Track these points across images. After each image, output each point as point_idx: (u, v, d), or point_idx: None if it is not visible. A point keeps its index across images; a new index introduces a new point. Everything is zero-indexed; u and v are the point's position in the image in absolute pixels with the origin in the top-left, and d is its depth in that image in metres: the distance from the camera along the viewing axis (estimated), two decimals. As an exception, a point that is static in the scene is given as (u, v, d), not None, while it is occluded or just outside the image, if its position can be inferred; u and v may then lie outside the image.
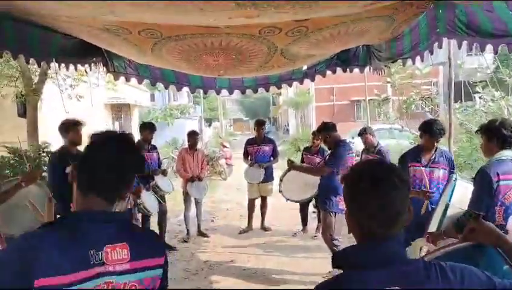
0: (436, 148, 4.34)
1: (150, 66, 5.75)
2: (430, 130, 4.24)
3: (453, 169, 4.29)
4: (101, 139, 1.48)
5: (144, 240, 1.46)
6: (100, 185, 1.39)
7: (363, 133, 6.61)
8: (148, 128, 6.65)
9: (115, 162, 1.41)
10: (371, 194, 1.28)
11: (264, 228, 7.82)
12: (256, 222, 7.89)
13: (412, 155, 4.43)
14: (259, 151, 7.63)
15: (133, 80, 6.03)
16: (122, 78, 5.77)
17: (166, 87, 6.57)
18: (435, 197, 4.13)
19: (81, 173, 1.42)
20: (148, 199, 5.95)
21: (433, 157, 4.28)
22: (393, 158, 6.86)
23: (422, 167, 4.27)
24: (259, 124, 7.76)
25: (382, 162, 1.39)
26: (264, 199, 7.82)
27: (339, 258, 1.34)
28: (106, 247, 1.32)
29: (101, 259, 1.31)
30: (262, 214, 7.88)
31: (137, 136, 6.99)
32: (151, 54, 4.57)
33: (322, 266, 5.66)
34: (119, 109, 18.25)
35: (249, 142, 7.80)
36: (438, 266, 1.25)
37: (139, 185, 5.77)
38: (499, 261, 1.44)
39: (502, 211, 3.02)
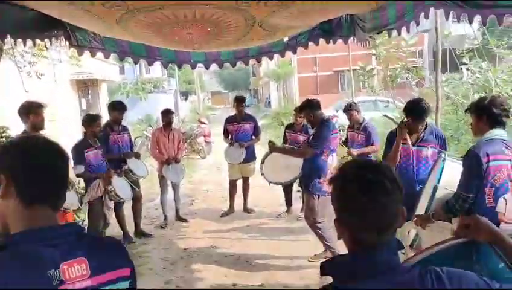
0: (426, 125, 4.32)
1: (118, 40, 5.60)
2: (414, 112, 4.23)
3: (445, 148, 4.27)
4: (33, 145, 1.38)
5: (103, 251, 1.37)
6: (45, 193, 1.31)
7: (348, 109, 6.59)
8: (117, 108, 6.50)
9: (55, 168, 1.34)
10: (360, 200, 1.25)
11: (246, 210, 7.84)
12: (239, 204, 7.89)
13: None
14: (239, 129, 7.58)
15: (100, 54, 5.85)
16: (87, 53, 5.59)
17: (136, 62, 6.44)
18: (423, 177, 4.16)
19: (20, 183, 1.30)
20: (120, 184, 5.86)
21: (422, 135, 4.27)
22: (380, 132, 6.91)
23: (410, 145, 4.28)
24: (239, 101, 7.69)
25: (372, 163, 1.35)
26: (246, 180, 7.81)
27: (327, 268, 1.31)
28: (62, 264, 1.24)
29: (60, 277, 1.24)
30: (245, 195, 7.89)
31: (106, 116, 6.87)
32: (117, 27, 4.42)
33: (307, 248, 5.73)
34: (86, 85, 17.81)
35: (229, 120, 7.74)
36: (434, 274, 1.24)
37: (109, 170, 5.68)
38: (495, 259, 1.44)
39: (492, 193, 3.06)
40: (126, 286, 1.38)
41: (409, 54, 9.45)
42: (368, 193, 1.25)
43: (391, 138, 4.39)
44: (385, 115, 6.11)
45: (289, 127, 7.46)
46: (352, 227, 1.29)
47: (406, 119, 4.25)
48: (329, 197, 4.58)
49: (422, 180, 4.15)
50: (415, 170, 4.26)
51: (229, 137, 7.67)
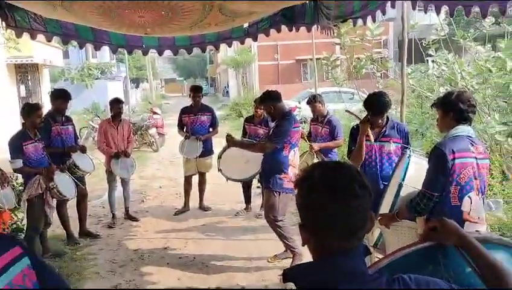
0: (388, 120, 4.42)
1: (62, 21, 5.43)
2: (374, 107, 4.33)
3: (408, 143, 4.39)
4: None
5: None
6: None
7: (312, 101, 6.64)
8: (61, 96, 6.30)
9: None
10: (327, 205, 1.25)
11: (202, 207, 7.80)
12: (194, 202, 7.84)
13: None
14: (196, 121, 7.51)
15: (41, 37, 5.66)
16: (26, 35, 5.38)
17: (81, 46, 6.26)
18: (387, 173, 4.25)
19: None
20: (63, 181, 5.70)
21: (384, 130, 4.38)
22: (344, 125, 7.01)
23: (371, 141, 4.36)
24: (196, 90, 7.61)
25: (341, 166, 1.35)
26: (202, 175, 7.77)
27: (291, 275, 1.30)
28: None
29: None
30: (201, 192, 7.84)
31: (48, 106, 6.66)
32: (61, 9, 4.29)
33: (267, 248, 5.77)
34: (25, 71, 17.18)
35: (184, 111, 7.66)
36: (401, 282, 1.26)
37: (51, 166, 5.51)
38: (462, 263, 1.48)
39: (457, 191, 3.15)
40: (27, 263, 1.39)
41: (375, 44, 9.62)
42: (335, 197, 1.25)
43: (355, 134, 4.47)
44: (347, 111, 6.20)
45: (249, 120, 7.46)
46: (318, 233, 1.29)
47: (369, 116, 4.34)
48: (290, 195, 4.63)
49: (385, 176, 4.26)
50: (378, 166, 4.37)
51: (185, 129, 7.59)
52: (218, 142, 7.86)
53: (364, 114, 4.49)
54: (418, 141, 8.28)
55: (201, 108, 7.62)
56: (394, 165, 4.26)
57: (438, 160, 3.15)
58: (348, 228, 1.27)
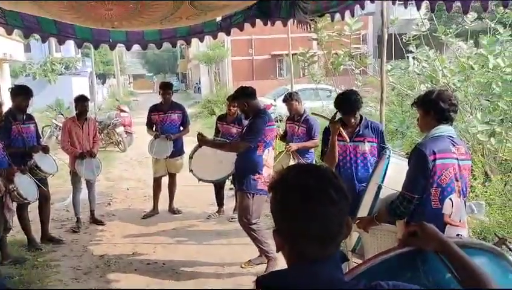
0: (361, 119, 4.47)
1: (23, 13, 5.31)
2: (345, 106, 4.38)
3: (383, 142, 4.45)
4: None
5: None
6: None
7: (288, 99, 6.67)
8: (21, 93, 6.20)
9: None
10: (302, 209, 1.26)
11: (172, 210, 7.77)
12: (163, 204, 7.79)
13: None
14: (166, 119, 7.47)
15: (0, 29, 5.54)
16: (-17, 28, 5.27)
17: (44, 40, 6.15)
18: (363, 174, 4.30)
19: None
20: (23, 183, 5.60)
21: (357, 129, 4.42)
22: (321, 125, 7.05)
23: (345, 141, 4.41)
24: (166, 87, 7.60)
25: (316, 169, 1.35)
26: (172, 177, 7.75)
27: (264, 283, 1.31)
28: None
29: None
30: (171, 194, 7.81)
31: (8, 103, 6.53)
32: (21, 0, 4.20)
33: (240, 253, 5.78)
34: (-17, 65, 16.81)
35: (154, 109, 7.62)
36: (379, 289, 1.26)
37: (12, 167, 5.40)
38: (442, 269, 1.50)
39: (438, 193, 3.19)
40: None
41: (353, 40, 9.68)
42: (310, 202, 1.26)
43: (327, 134, 4.51)
44: (314, 113, 6.26)
45: (221, 118, 7.46)
46: (293, 239, 1.30)
47: (338, 116, 4.38)
48: (265, 196, 4.64)
49: (361, 178, 4.32)
50: (353, 168, 4.40)
51: (154, 128, 7.54)
52: (189, 142, 7.85)
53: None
54: (398, 141, 8.39)
55: (172, 106, 7.59)
56: (369, 165, 4.34)
57: (418, 161, 3.19)
58: (324, 233, 1.27)
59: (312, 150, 6.66)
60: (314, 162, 6.52)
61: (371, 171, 4.27)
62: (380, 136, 4.48)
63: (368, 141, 4.41)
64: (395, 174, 3.55)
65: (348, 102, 4.36)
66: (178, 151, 7.52)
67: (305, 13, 5.28)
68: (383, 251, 1.57)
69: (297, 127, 6.58)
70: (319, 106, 11.99)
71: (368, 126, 4.45)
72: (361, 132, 4.42)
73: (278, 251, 1.34)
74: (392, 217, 3.34)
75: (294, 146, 6.41)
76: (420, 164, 3.18)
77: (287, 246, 1.32)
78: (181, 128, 7.62)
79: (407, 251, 1.55)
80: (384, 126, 6.04)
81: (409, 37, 8.27)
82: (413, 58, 8.53)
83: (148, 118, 7.66)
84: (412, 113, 8.30)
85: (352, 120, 4.39)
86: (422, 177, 3.18)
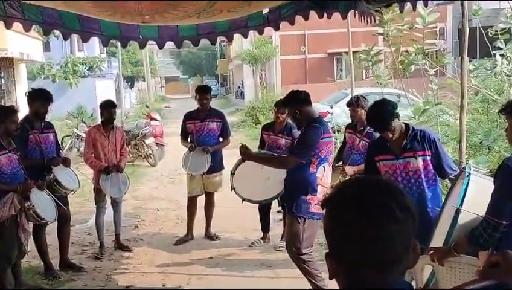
0: (408, 129, 4.42)
1: (42, 7, 5.54)
2: (371, 124, 4.37)
3: (438, 152, 4.37)
4: None
5: None
6: None
7: (353, 103, 6.56)
8: (39, 98, 6.39)
9: None
10: (360, 227, 1.27)
11: (210, 236, 7.82)
12: (199, 229, 7.87)
13: (378, 145, 4.58)
14: (203, 129, 7.55)
15: (17, 25, 5.78)
16: None
17: (66, 38, 6.38)
18: (417, 196, 4.27)
19: None
20: (41, 200, 5.76)
21: (404, 143, 4.37)
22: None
23: (393, 159, 4.39)
24: (203, 92, 7.68)
25: (378, 182, 1.37)
26: (210, 196, 7.80)
27: None
28: None
29: None
30: (208, 216, 7.87)
31: (25, 109, 6.76)
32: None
33: (289, 287, 5.74)
34: (-3, 66, 17.54)
35: (189, 117, 7.72)
36: None
37: (28, 181, 5.58)
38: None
39: (531, 219, 3.12)
40: None
41: (427, 35, 9.55)
42: (370, 218, 1.27)
43: (367, 157, 4.70)
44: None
45: (267, 127, 7.50)
46: (349, 263, 1.31)
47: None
48: (319, 221, 4.65)
49: (417, 200, 4.26)
50: (407, 189, 4.35)
51: (189, 139, 7.65)
52: (229, 155, 7.90)
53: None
54: (482, 157, 8.18)
55: (210, 113, 7.67)
56: (425, 185, 4.32)
57: (506, 179, 3.14)
58: (383, 256, 1.28)
59: None
60: None
61: (427, 191, 4.26)
62: (434, 146, 4.38)
63: (420, 155, 4.35)
64: (476, 195, 3.49)
65: (374, 118, 4.37)
66: (217, 166, 7.58)
67: (368, 3, 5.28)
68: (458, 286, 1.56)
69: (358, 139, 6.48)
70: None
71: (415, 138, 4.39)
72: (409, 146, 4.37)
73: (331, 278, 1.36)
74: (474, 247, 3.28)
75: (349, 170, 6.23)
76: (508, 184, 3.12)
77: (342, 271, 1.33)
78: (220, 139, 7.69)
79: (488, 285, 1.54)
80: (464, 139, 5.93)
81: (496, 31, 8.10)
82: (502, 55, 8.34)
83: (182, 127, 7.76)
84: (500, 123, 8.10)
85: (391, 135, 4.36)
86: (511, 200, 3.11)
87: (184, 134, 7.75)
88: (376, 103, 4.67)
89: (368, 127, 6.48)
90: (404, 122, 4.51)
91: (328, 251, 1.37)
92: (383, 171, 4.48)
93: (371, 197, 1.30)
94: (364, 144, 6.42)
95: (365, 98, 6.76)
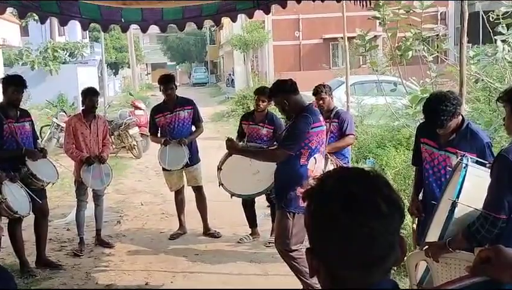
0: (462, 124, 4.26)
1: (18, -12, 5.51)
2: (427, 119, 4.36)
3: (483, 156, 4.09)
4: None
5: None
6: None
7: (318, 92, 6.80)
8: (14, 84, 6.34)
9: None
10: (342, 223, 1.26)
11: (210, 233, 7.72)
12: (188, 224, 7.86)
13: (428, 128, 4.46)
14: (174, 120, 7.45)
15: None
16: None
17: (43, 21, 6.33)
18: (436, 193, 4.26)
19: None
20: (15, 193, 5.73)
21: (452, 137, 4.27)
22: (386, 126, 6.99)
23: (435, 148, 4.38)
24: (167, 82, 7.50)
25: (363, 173, 1.35)
26: (199, 190, 7.73)
27: None
28: None
29: None
30: (202, 213, 7.77)
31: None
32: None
33: (279, 285, 5.75)
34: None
35: (157, 111, 7.62)
36: None
37: (0, 173, 5.55)
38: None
39: (530, 213, 3.13)
40: None
41: (426, 19, 9.53)
42: (352, 214, 1.25)
43: (417, 136, 4.65)
44: None
45: (247, 117, 7.46)
46: (330, 260, 1.30)
47: None
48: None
49: (434, 194, 4.28)
50: (437, 182, 4.38)
51: (160, 134, 7.61)
52: (205, 146, 7.78)
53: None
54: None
55: (178, 102, 7.57)
56: (447, 179, 4.23)
57: (503, 171, 3.14)
58: (367, 254, 1.27)
59: (349, 150, 6.66)
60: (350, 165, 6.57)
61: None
62: (481, 154, 4.12)
63: (462, 156, 4.27)
64: (474, 188, 3.50)
65: (430, 114, 4.24)
66: (195, 157, 7.57)
67: (363, -14, 5.28)
68: (447, 282, 1.56)
69: (328, 124, 6.53)
70: (382, 102, 11.85)
71: (466, 136, 4.25)
72: (456, 142, 4.25)
73: (311, 276, 1.35)
74: (471, 242, 3.28)
75: (326, 149, 6.33)
76: (506, 176, 3.12)
77: (323, 269, 1.32)
78: (193, 128, 7.64)
79: (479, 281, 1.54)
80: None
81: (498, 15, 8.09)
82: (503, 41, 8.33)
83: (150, 122, 7.72)
84: (501, 112, 8.12)
85: (442, 131, 4.26)
86: (510, 193, 3.12)
87: (154, 130, 7.71)
88: (433, 96, 4.45)
89: (335, 109, 6.69)
90: (462, 115, 4.32)
91: (308, 247, 1.36)
92: (424, 155, 4.47)
93: (353, 190, 1.28)
94: (335, 125, 6.56)
95: (327, 85, 7.17)
